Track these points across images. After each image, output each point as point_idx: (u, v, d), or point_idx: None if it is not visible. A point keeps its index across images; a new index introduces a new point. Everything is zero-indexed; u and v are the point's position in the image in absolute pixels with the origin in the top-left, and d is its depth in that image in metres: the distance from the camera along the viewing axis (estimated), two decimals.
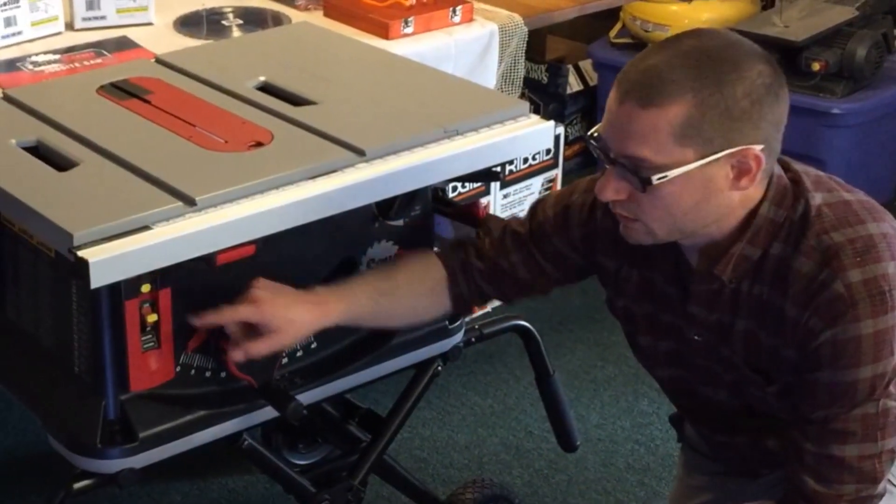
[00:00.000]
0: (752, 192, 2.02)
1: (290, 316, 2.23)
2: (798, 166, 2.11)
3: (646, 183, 1.96)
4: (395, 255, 2.49)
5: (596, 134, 2.04)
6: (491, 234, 2.39)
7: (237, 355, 2.22)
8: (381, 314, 2.37)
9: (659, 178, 1.95)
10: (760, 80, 1.94)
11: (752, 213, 2.04)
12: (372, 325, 2.41)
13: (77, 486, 2.28)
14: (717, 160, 1.95)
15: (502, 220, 2.42)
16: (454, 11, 3.32)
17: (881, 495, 2.08)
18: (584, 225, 2.27)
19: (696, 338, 2.17)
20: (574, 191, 2.32)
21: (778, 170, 2.06)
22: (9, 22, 3.12)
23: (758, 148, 1.95)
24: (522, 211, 3.60)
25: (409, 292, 2.38)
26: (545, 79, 4.90)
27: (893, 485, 2.17)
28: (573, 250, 2.30)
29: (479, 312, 3.58)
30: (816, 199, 2.04)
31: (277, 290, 2.25)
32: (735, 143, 1.94)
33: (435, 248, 2.49)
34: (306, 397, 2.38)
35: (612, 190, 2.01)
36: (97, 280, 2.04)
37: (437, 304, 2.41)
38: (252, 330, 2.22)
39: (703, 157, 1.94)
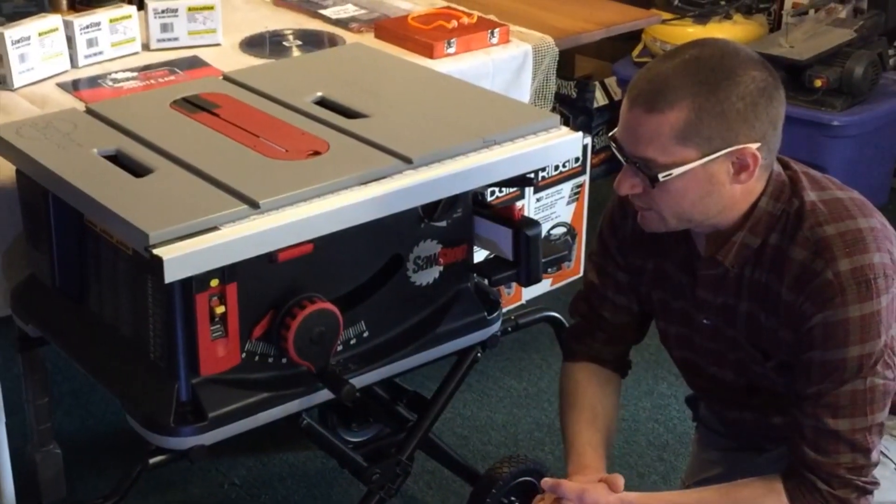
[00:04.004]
0: (753, 186, 2.03)
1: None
2: (798, 166, 2.11)
3: (653, 181, 1.98)
4: (438, 252, 2.48)
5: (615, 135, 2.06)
6: (579, 308, 2.37)
7: None
8: (612, 434, 2.30)
9: (664, 177, 1.97)
10: (754, 84, 1.95)
11: (753, 206, 2.05)
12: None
13: (152, 460, 2.29)
14: (716, 158, 1.96)
15: (580, 296, 2.39)
16: (492, 33, 3.31)
17: (876, 464, 2.07)
18: (614, 236, 2.27)
19: (704, 321, 2.18)
20: (599, 224, 2.32)
21: (777, 167, 2.07)
22: (91, 43, 3.12)
23: (754, 146, 1.97)
24: (554, 213, 3.58)
25: (605, 405, 2.30)
26: (574, 94, 4.87)
27: (886, 455, 2.16)
28: (621, 270, 2.28)
29: (514, 305, 3.58)
30: (811, 195, 2.05)
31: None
32: (733, 143, 1.96)
33: (567, 361, 2.39)
34: (359, 381, 2.37)
35: (627, 185, 2.03)
36: (171, 275, 2.04)
37: (617, 386, 2.36)
38: None
39: (704, 156, 1.96)
